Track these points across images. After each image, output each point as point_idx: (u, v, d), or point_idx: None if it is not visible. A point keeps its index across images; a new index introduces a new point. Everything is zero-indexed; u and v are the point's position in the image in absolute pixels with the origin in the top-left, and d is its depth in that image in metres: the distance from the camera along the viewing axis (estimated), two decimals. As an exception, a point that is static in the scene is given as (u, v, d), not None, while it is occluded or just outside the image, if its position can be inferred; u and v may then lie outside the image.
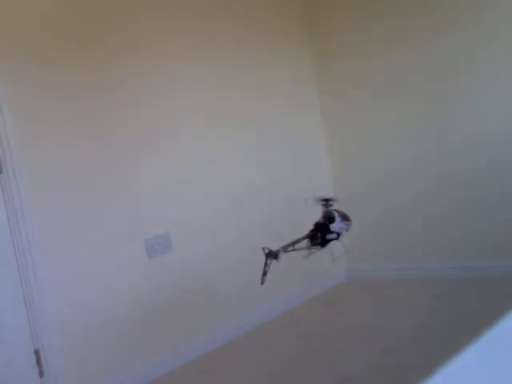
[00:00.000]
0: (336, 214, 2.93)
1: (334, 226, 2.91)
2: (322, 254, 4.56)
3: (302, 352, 3.40)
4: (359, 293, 4.35)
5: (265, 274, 2.86)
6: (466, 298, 3.81)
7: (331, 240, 2.94)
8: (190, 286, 3.57)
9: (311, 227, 2.92)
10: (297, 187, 4.36)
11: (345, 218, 2.99)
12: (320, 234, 2.89)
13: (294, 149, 4.38)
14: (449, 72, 4.10)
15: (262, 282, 2.87)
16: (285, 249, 2.86)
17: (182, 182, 3.59)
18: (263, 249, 2.80)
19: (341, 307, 4.10)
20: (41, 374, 2.89)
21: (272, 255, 2.82)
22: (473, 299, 3.78)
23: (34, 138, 2.94)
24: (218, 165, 3.82)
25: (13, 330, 2.81)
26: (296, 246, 2.88)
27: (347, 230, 2.99)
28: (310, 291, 4.34)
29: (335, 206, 3.00)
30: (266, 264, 2.82)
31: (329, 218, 2.91)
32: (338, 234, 2.94)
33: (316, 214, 4.45)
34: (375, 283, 4.46)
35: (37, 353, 2.88)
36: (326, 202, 3.00)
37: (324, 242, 2.92)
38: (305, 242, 2.91)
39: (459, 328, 3.31)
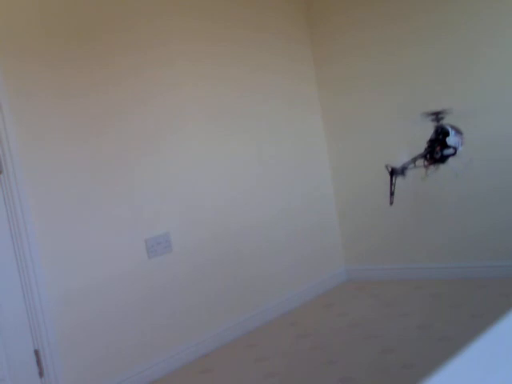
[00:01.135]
0: (449, 128, 2.71)
1: (449, 140, 2.72)
2: (321, 255, 4.57)
3: (302, 352, 3.40)
4: (359, 293, 4.35)
5: (392, 193, 2.74)
6: (465, 298, 3.81)
7: (449, 156, 2.74)
8: (190, 286, 3.57)
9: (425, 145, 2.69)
10: (297, 187, 4.36)
11: (458, 131, 2.75)
12: (439, 148, 2.70)
13: (294, 149, 4.38)
14: (449, 72, 4.10)
15: (391, 202, 2.78)
16: (406, 165, 2.70)
17: (183, 182, 3.59)
18: (386, 166, 2.68)
19: (341, 307, 4.10)
20: (41, 374, 2.89)
21: (398, 172, 2.68)
22: (473, 299, 3.78)
23: (34, 138, 2.94)
24: (218, 165, 3.82)
25: (13, 329, 2.81)
26: (416, 163, 2.70)
27: (462, 143, 2.77)
28: (310, 291, 4.34)
29: (447, 120, 2.72)
30: (391, 183, 2.69)
31: (442, 133, 2.71)
32: (455, 149, 2.73)
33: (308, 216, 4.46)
34: (375, 283, 4.46)
35: (37, 353, 2.88)
36: (436, 115, 2.78)
37: (443, 158, 2.73)
38: (423, 162, 2.71)
39: (459, 328, 3.31)
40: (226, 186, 3.86)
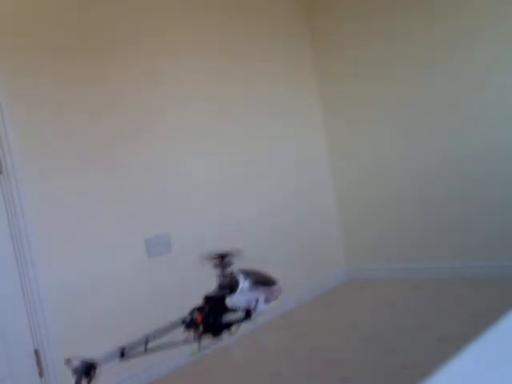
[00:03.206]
0: (242, 279, 1.85)
1: (232, 301, 1.84)
2: (321, 255, 4.54)
3: (302, 352, 3.39)
4: (359, 293, 4.34)
5: None
6: (465, 298, 3.81)
7: (233, 324, 1.87)
8: (190, 286, 3.56)
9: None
10: (298, 187, 4.36)
11: (263, 282, 1.93)
12: (199, 316, 1.81)
13: (294, 148, 4.38)
14: (450, 68, 4.09)
15: None
16: (123, 352, 1.75)
17: (183, 181, 3.59)
18: (67, 360, 1.66)
19: (341, 307, 4.10)
20: (41, 374, 2.89)
21: (82, 372, 1.66)
22: (473, 299, 3.78)
23: (34, 138, 2.94)
24: (218, 164, 3.81)
25: (13, 330, 2.81)
26: (151, 343, 1.76)
27: (269, 300, 1.95)
28: (311, 291, 4.34)
29: (242, 265, 1.86)
30: None
31: (228, 287, 1.86)
32: (248, 312, 1.91)
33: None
34: (375, 283, 4.46)
35: (37, 353, 2.88)
36: (222, 259, 1.91)
37: (216, 328, 1.83)
38: (183, 334, 1.82)
39: (459, 328, 3.30)
40: (225, 186, 3.85)
